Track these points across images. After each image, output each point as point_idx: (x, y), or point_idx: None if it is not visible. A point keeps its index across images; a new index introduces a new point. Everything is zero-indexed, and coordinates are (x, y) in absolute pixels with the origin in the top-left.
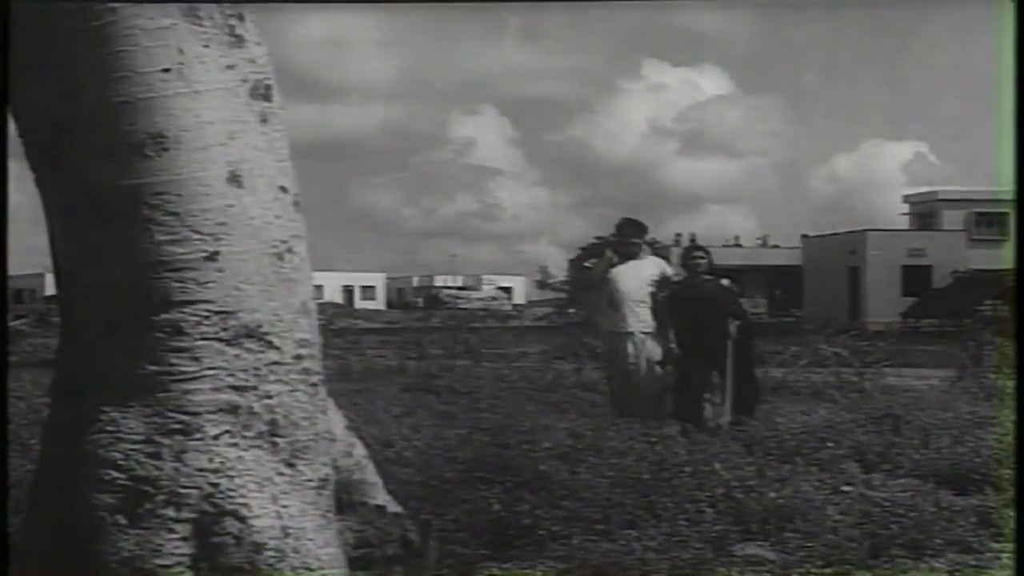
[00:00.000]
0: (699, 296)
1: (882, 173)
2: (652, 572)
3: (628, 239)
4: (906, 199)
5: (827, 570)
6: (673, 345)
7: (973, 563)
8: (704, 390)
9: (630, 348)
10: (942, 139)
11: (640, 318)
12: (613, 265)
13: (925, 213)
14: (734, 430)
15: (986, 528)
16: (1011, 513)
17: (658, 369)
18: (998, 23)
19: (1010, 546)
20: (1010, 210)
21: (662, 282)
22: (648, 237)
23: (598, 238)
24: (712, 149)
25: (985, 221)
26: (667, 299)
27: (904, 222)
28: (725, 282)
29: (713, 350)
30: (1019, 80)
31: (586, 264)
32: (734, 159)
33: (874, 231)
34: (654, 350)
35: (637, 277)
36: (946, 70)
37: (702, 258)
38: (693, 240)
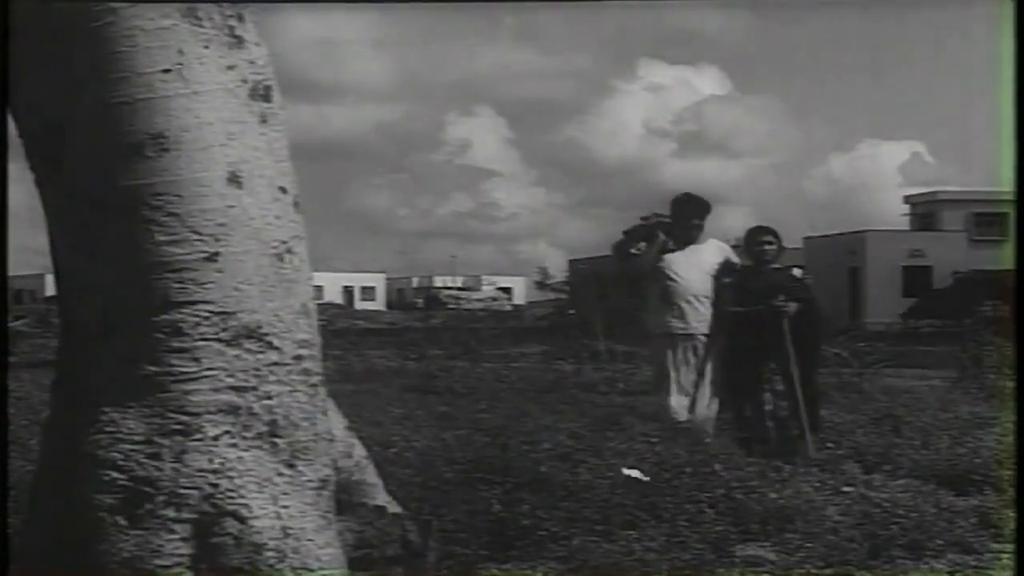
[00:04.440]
0: (766, 289)
1: (880, 173)
2: (652, 573)
3: (687, 220)
4: (906, 199)
5: (827, 571)
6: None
7: (973, 564)
8: (766, 404)
9: (690, 353)
10: (940, 139)
11: (702, 316)
12: (667, 251)
13: (925, 214)
14: (808, 454)
15: (986, 529)
16: (1011, 513)
17: (718, 381)
18: (997, 22)
19: (1010, 547)
20: (1010, 210)
21: (724, 271)
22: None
23: (645, 218)
24: (709, 149)
25: (985, 221)
26: (727, 292)
27: (904, 223)
28: (797, 272)
29: (780, 355)
30: (1019, 80)
31: (633, 250)
32: (731, 159)
33: (874, 232)
34: (718, 356)
35: (698, 265)
36: (945, 70)
37: (771, 243)
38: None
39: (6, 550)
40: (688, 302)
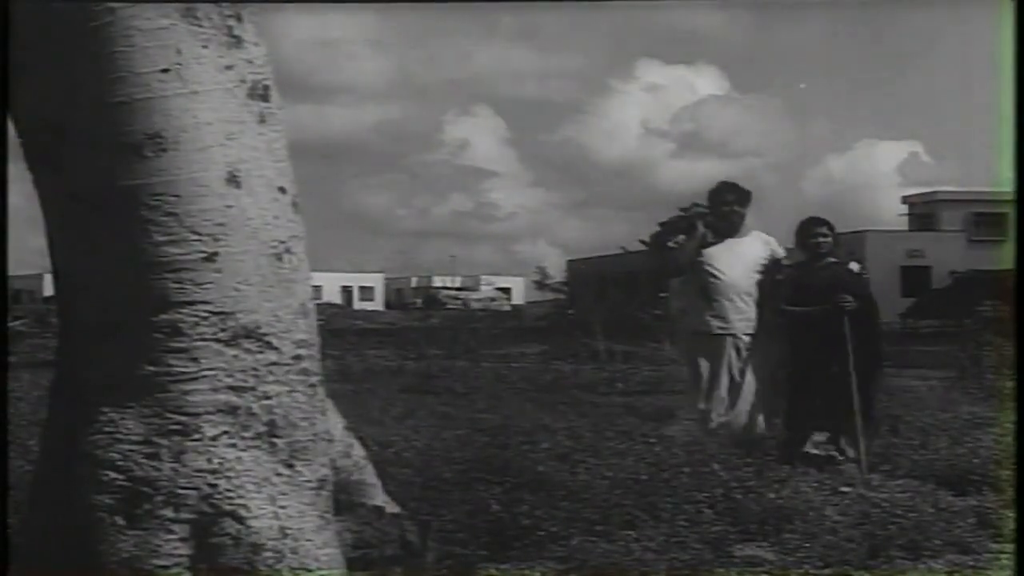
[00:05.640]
0: (824, 285)
1: (878, 173)
2: (651, 573)
3: (727, 209)
4: (905, 199)
5: (826, 571)
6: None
7: (972, 564)
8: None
9: (731, 355)
10: (938, 139)
11: (744, 315)
12: (707, 244)
13: (924, 214)
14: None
15: (985, 529)
16: (1011, 514)
17: (767, 386)
18: (996, 22)
19: (1010, 547)
20: (1009, 210)
21: (772, 266)
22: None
23: (684, 209)
24: (707, 149)
25: (984, 221)
26: (779, 289)
27: (903, 223)
28: (854, 266)
29: (840, 357)
30: (1019, 80)
31: (671, 243)
32: (730, 159)
33: (873, 232)
34: (762, 358)
35: (740, 260)
36: (943, 70)
37: (825, 236)
38: None
39: (6, 550)
40: (730, 300)
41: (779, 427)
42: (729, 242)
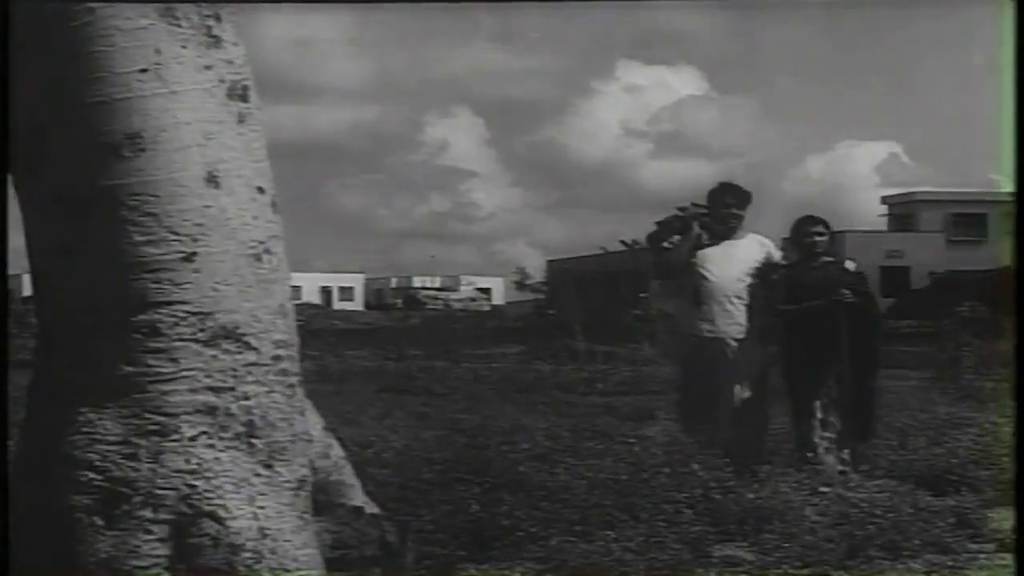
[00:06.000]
0: (820, 284)
1: (858, 174)
2: (630, 573)
3: (725, 211)
4: (884, 200)
5: (804, 571)
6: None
7: (950, 564)
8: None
9: (721, 359)
10: (918, 140)
11: (734, 318)
12: (702, 245)
13: (903, 214)
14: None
15: (963, 529)
16: (1011, 514)
17: (758, 390)
18: (976, 24)
19: (989, 546)
20: (988, 211)
21: (766, 269)
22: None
23: (682, 208)
24: (686, 150)
25: (963, 222)
26: (774, 289)
27: (882, 223)
28: (850, 265)
29: (837, 361)
30: (1019, 80)
31: (666, 244)
32: (709, 160)
33: (852, 232)
34: (752, 362)
35: (734, 262)
36: (922, 71)
37: (821, 234)
38: None
39: (6, 550)
40: (720, 303)
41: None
42: (725, 244)
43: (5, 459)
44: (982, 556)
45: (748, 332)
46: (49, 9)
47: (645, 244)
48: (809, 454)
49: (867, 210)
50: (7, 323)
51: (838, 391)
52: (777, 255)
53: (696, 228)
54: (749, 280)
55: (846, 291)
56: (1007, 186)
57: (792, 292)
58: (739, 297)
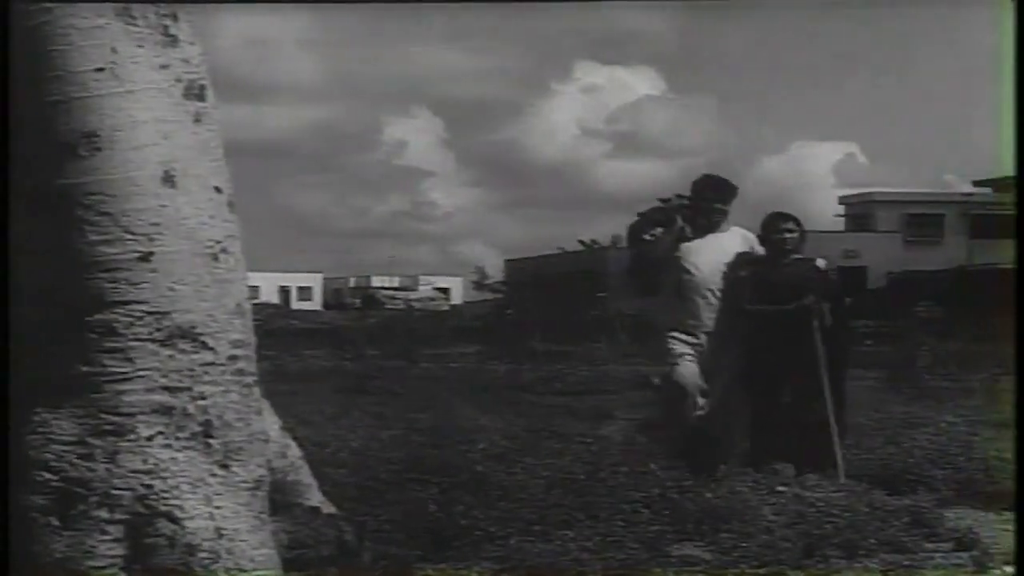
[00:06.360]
0: (789, 282)
1: (815, 174)
2: (588, 573)
3: (708, 204)
4: (841, 200)
5: (761, 570)
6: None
7: (906, 563)
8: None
9: (702, 355)
10: (875, 140)
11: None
12: (684, 239)
13: (860, 214)
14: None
15: (919, 528)
16: (1010, 514)
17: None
18: (934, 24)
19: (944, 545)
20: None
21: (739, 262)
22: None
23: (664, 200)
24: (643, 149)
25: (919, 223)
26: (742, 287)
27: (839, 223)
28: (821, 263)
29: (805, 360)
30: (1019, 80)
31: (646, 236)
32: (666, 159)
33: (809, 232)
34: (730, 359)
35: (717, 256)
36: (879, 71)
37: (791, 231)
38: None
39: (6, 550)
40: (704, 297)
41: (753, 427)
42: (709, 237)
43: (6, 459)
44: (938, 555)
45: (725, 327)
46: (5, 8)
47: (616, 241)
48: (769, 455)
49: (824, 210)
50: (7, 323)
51: (801, 392)
52: (760, 250)
53: (679, 221)
54: (725, 274)
55: (815, 293)
56: (962, 186)
57: (761, 290)
58: (721, 291)
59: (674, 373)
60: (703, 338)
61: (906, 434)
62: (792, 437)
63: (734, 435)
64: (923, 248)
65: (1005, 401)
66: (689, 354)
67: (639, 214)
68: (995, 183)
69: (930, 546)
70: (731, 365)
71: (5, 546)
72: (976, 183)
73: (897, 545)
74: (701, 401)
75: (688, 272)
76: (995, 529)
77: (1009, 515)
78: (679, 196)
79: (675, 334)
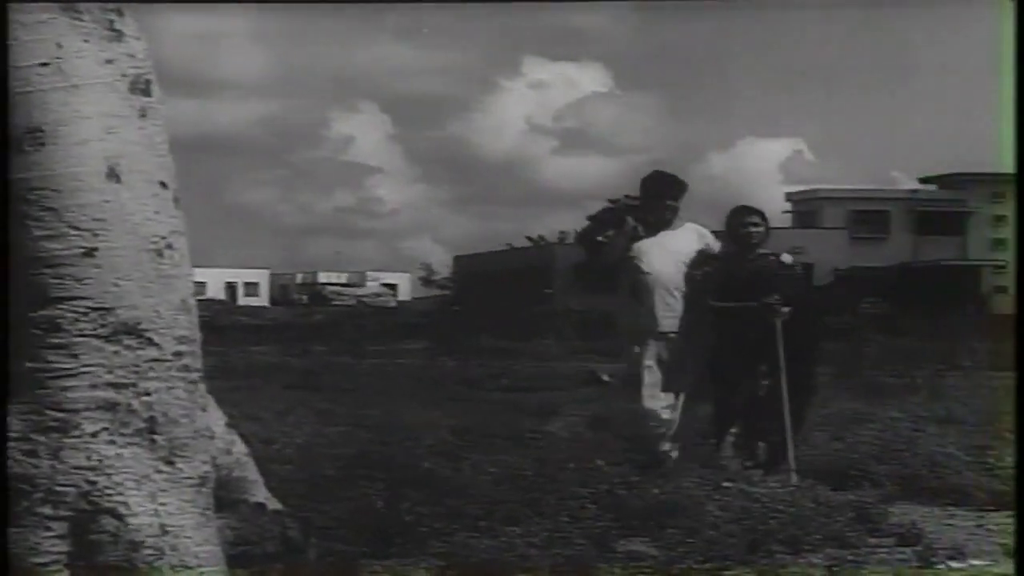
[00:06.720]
0: (755, 278)
1: (761, 170)
2: (534, 569)
3: (659, 201)
4: (788, 197)
5: (707, 565)
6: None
7: (851, 558)
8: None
9: (661, 354)
10: (821, 137)
11: (675, 311)
12: (637, 238)
13: (806, 211)
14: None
15: (863, 523)
16: (1011, 514)
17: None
18: (883, 24)
19: (888, 541)
20: (891, 208)
21: (701, 258)
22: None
23: (612, 201)
24: (590, 146)
25: (865, 219)
26: (707, 282)
27: (785, 219)
28: (787, 258)
29: (770, 356)
30: (1019, 80)
31: (600, 238)
32: (613, 156)
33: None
34: (692, 357)
35: (671, 254)
36: (825, 69)
37: (757, 225)
38: None
39: (6, 550)
40: (659, 296)
41: (715, 426)
42: (661, 235)
43: (5, 460)
44: (882, 550)
45: (687, 324)
46: None
47: (564, 237)
48: (723, 451)
49: (771, 207)
50: (7, 322)
51: (768, 389)
52: (716, 245)
53: (630, 220)
54: (687, 271)
55: (780, 289)
56: (906, 183)
57: (726, 286)
58: (679, 289)
59: (641, 400)
60: (662, 338)
61: (851, 430)
62: (752, 433)
63: (690, 431)
64: (869, 244)
65: (949, 397)
66: (650, 364)
67: (589, 217)
68: (940, 180)
69: (874, 541)
70: (696, 363)
71: (5, 547)
72: (922, 180)
73: (842, 540)
74: (666, 416)
75: (642, 271)
76: (940, 524)
77: (954, 510)
78: (628, 196)
79: (636, 344)
